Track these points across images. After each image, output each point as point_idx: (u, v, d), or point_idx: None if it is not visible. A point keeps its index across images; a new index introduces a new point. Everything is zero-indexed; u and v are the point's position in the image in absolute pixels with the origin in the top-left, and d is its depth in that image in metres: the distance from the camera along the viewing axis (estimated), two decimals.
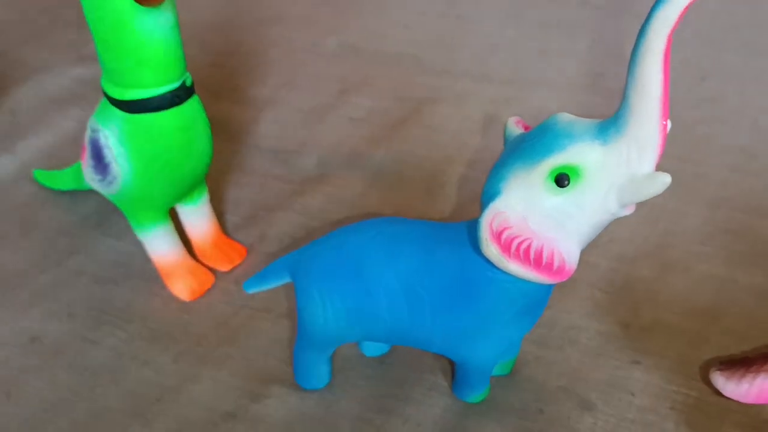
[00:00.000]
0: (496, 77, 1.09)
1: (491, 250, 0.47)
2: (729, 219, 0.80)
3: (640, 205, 0.81)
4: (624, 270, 0.75)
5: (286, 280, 0.61)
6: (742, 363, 0.51)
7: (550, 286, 0.53)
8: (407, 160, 0.93)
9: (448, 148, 0.95)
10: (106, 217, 0.87)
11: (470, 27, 1.24)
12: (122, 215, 0.86)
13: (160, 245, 0.74)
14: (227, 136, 1.01)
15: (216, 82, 1.13)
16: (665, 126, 0.44)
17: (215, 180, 0.92)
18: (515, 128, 0.53)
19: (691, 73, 1.05)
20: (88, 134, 0.69)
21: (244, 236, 0.83)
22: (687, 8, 0.40)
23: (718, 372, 0.52)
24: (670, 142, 0.90)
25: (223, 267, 0.79)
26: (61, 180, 0.87)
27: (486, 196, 0.50)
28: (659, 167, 0.45)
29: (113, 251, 0.82)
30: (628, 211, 0.47)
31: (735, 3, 1.21)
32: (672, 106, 0.97)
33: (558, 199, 0.46)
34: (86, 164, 0.72)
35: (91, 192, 0.90)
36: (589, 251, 0.76)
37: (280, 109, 1.06)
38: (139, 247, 0.81)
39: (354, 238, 0.57)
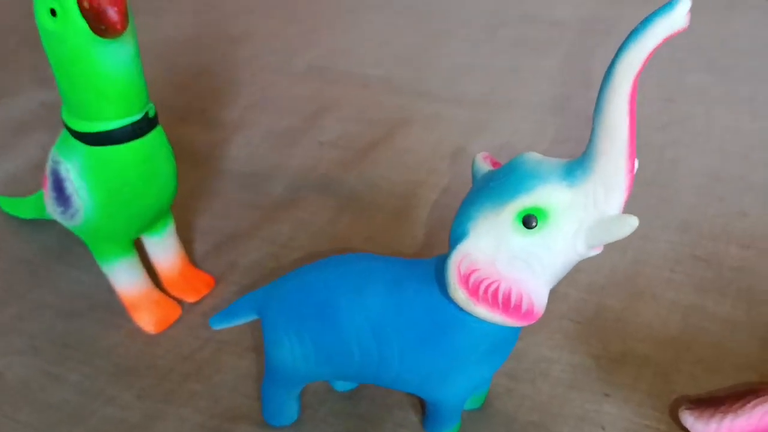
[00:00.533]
0: (468, 98, 1.09)
1: (459, 294, 0.46)
2: (696, 245, 0.81)
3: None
4: (593, 300, 0.75)
5: (253, 317, 0.60)
6: (710, 402, 0.51)
7: (517, 328, 0.53)
8: (378, 184, 0.93)
9: (420, 172, 0.94)
10: (69, 247, 0.85)
11: (442, 47, 1.24)
12: (84, 246, 0.84)
13: (124, 277, 0.73)
14: (195, 161, 0.99)
15: (183, 105, 1.11)
16: (633, 168, 0.43)
17: (183, 207, 0.90)
18: (483, 164, 0.52)
19: (658, 95, 1.06)
20: (49, 165, 0.68)
21: (213, 265, 0.82)
22: (652, 54, 0.40)
23: (687, 411, 0.52)
24: (638, 167, 0.91)
25: (191, 298, 0.77)
26: (24, 208, 0.85)
27: (454, 236, 0.49)
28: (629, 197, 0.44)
29: (77, 283, 0.80)
30: (596, 251, 0.47)
31: (700, 24, 1.23)
32: (640, 129, 0.99)
33: (526, 240, 0.46)
34: (48, 195, 0.70)
35: (54, 221, 0.88)
36: (558, 282, 0.76)
37: (249, 131, 1.05)
38: (104, 278, 0.80)
39: (322, 276, 0.56)
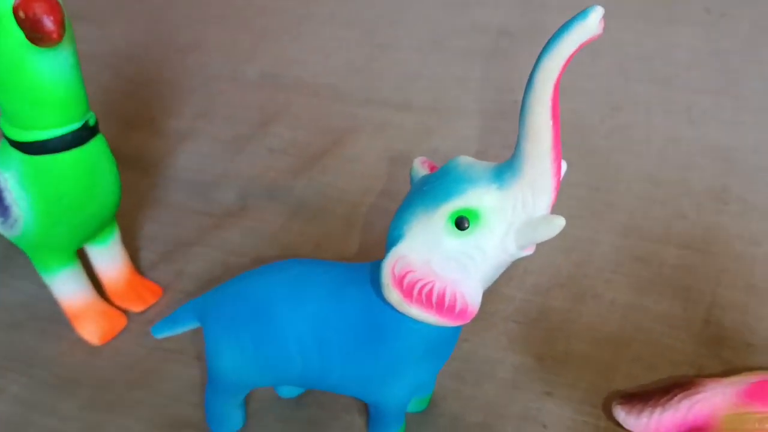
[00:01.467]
0: (416, 106, 1.10)
1: (393, 295, 0.47)
2: (637, 247, 0.83)
3: (555, 235, 0.83)
4: (538, 301, 0.76)
5: (195, 324, 0.59)
6: (641, 397, 0.52)
7: (457, 327, 0.54)
8: (327, 191, 0.93)
9: (368, 178, 0.95)
10: (9, 257, 0.83)
11: (390, 55, 1.25)
12: (26, 256, 0.83)
13: (67, 288, 0.72)
14: (143, 169, 0.98)
15: (131, 113, 1.10)
16: (559, 170, 0.45)
17: (130, 215, 0.89)
18: (421, 169, 0.54)
19: (605, 103, 1.08)
20: None
21: (160, 274, 0.81)
22: (570, 59, 0.41)
23: (619, 406, 0.53)
24: (583, 171, 0.93)
25: (137, 308, 0.77)
26: None
27: (390, 239, 0.50)
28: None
29: (18, 293, 0.79)
30: (528, 252, 0.48)
31: (643, 35, 1.27)
32: (585, 135, 1.01)
33: (459, 241, 0.47)
34: None
35: None
36: (505, 283, 0.78)
37: (198, 140, 1.04)
38: (47, 288, 0.78)
39: (261, 282, 0.56)
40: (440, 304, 0.47)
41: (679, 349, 0.70)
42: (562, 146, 0.45)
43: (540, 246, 0.79)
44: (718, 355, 0.69)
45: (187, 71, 1.22)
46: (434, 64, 1.21)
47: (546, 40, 0.42)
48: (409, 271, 0.47)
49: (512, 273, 0.79)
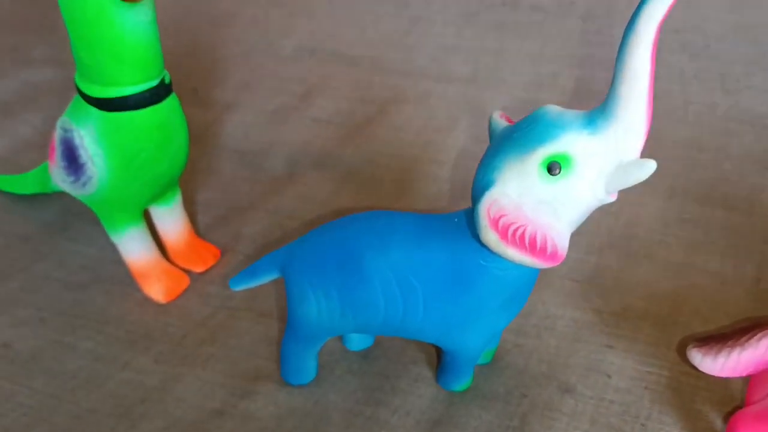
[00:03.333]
0: (455, 77, 1.12)
1: (490, 236, 0.48)
2: (683, 209, 0.85)
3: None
4: (592, 261, 0.78)
5: (275, 275, 0.61)
6: (717, 339, 0.54)
7: (534, 276, 0.56)
8: (375, 159, 0.95)
9: (414, 147, 0.96)
10: (69, 222, 0.84)
11: (425, 28, 1.26)
12: (86, 220, 0.84)
13: (134, 247, 0.73)
14: (191, 139, 0.99)
15: (174, 84, 1.11)
16: (650, 116, 0.46)
17: (183, 182, 0.90)
18: (500, 121, 0.55)
19: None
20: (58, 134, 0.68)
21: (217, 237, 0.83)
22: (674, 2, 0.43)
23: (695, 349, 0.55)
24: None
25: (198, 268, 0.78)
26: (24, 184, 0.84)
27: (478, 185, 0.51)
28: None
29: (80, 256, 0.80)
30: (613, 197, 0.50)
31: (675, 6, 1.29)
32: None
33: (550, 186, 0.48)
34: (56, 165, 0.70)
35: (51, 197, 0.87)
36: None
37: (241, 111, 1.06)
38: (107, 251, 0.80)
39: (344, 232, 0.57)
40: (533, 246, 0.49)
41: (734, 303, 0.72)
42: None
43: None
44: None
45: (223, 44, 1.23)
46: (469, 38, 1.23)
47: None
48: (503, 215, 0.49)
49: None
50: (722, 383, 0.64)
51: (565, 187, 0.48)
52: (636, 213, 0.84)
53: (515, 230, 0.49)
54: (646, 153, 0.96)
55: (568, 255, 0.79)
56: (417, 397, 0.64)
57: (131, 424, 0.62)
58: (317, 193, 0.89)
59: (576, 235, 0.81)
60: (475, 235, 0.51)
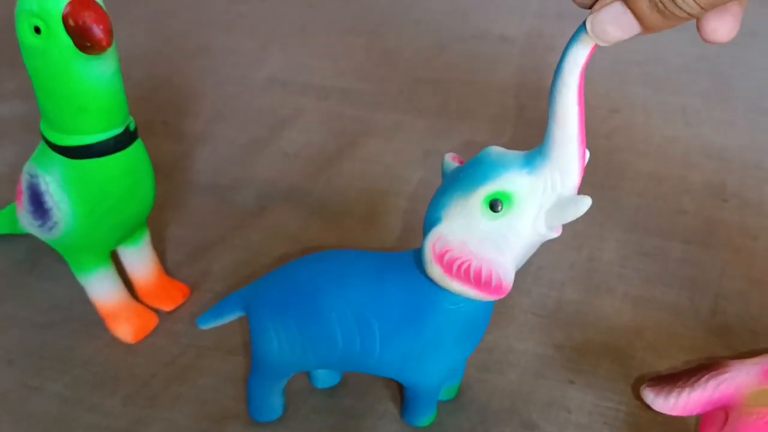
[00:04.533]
0: (425, 110, 1.14)
1: (435, 270, 0.51)
2: (643, 242, 0.87)
3: (565, 232, 0.87)
4: (554, 295, 0.80)
5: (240, 314, 0.62)
6: (669, 379, 0.56)
7: (489, 310, 0.58)
8: (345, 193, 0.96)
9: (384, 181, 0.98)
10: (37, 260, 0.85)
11: (396, 61, 1.29)
12: (55, 259, 0.84)
13: (102, 288, 0.74)
14: (161, 173, 0.99)
15: (144, 117, 1.12)
16: (584, 154, 0.49)
17: (152, 218, 0.91)
18: (451, 162, 0.57)
19: (603, 106, 1.13)
20: (25, 179, 0.68)
21: (187, 275, 0.83)
22: (594, 49, 0.45)
23: (648, 389, 0.57)
24: (588, 170, 0.97)
25: (167, 307, 0.79)
26: None
27: (428, 222, 0.53)
28: (582, 194, 0.49)
29: (48, 295, 0.81)
30: (556, 233, 0.52)
31: (636, 42, 1.32)
32: (588, 136, 1.05)
33: (493, 223, 0.51)
34: (23, 209, 0.70)
35: (18, 236, 0.87)
36: (521, 279, 0.81)
37: (213, 143, 1.07)
38: (76, 290, 0.80)
39: (305, 270, 0.59)
40: (477, 280, 0.51)
41: (689, 336, 0.74)
42: None
43: (552, 243, 0.83)
44: (726, 342, 0.74)
45: (195, 76, 1.24)
46: (439, 70, 1.25)
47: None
48: (448, 250, 0.51)
49: (528, 269, 0.83)
50: (678, 418, 0.66)
51: (507, 223, 0.50)
52: (597, 247, 0.86)
53: (460, 265, 0.51)
54: (608, 185, 0.98)
55: (531, 289, 0.81)
56: None
57: None
58: (287, 228, 0.90)
59: (538, 270, 0.83)
60: (424, 272, 0.53)
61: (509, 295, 0.79)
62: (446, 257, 0.51)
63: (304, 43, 1.35)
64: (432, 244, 0.51)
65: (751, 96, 1.17)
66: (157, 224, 0.91)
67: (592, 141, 1.05)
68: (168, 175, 1.00)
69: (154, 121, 1.12)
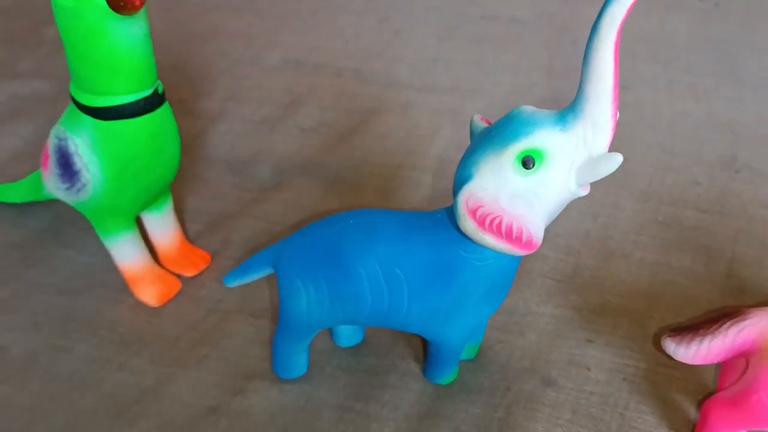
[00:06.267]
0: (437, 88, 1.15)
1: (468, 224, 0.51)
2: (657, 211, 0.88)
3: (581, 200, 0.88)
4: (571, 261, 0.81)
5: (268, 271, 0.63)
6: (689, 329, 0.57)
7: (515, 268, 0.59)
8: (360, 166, 0.97)
9: (397, 154, 0.99)
10: (61, 229, 0.86)
11: (407, 41, 1.30)
12: (78, 227, 0.86)
13: (127, 252, 0.75)
14: None
15: None
16: (617, 111, 0.50)
17: (172, 191, 0.92)
18: (480, 123, 0.58)
19: None
20: (52, 143, 0.69)
21: (207, 243, 0.85)
22: (633, 5, 0.46)
23: (669, 339, 0.58)
24: (618, 116, 0.98)
25: (189, 272, 0.80)
26: (16, 192, 0.86)
27: (459, 180, 0.54)
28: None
29: (72, 263, 0.82)
30: (585, 191, 0.53)
31: (647, 19, 1.33)
32: None
33: (525, 179, 0.51)
34: (50, 173, 0.71)
35: (43, 206, 0.89)
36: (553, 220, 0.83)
37: (228, 121, 1.08)
38: (99, 258, 0.82)
39: (333, 227, 0.60)
40: (509, 235, 0.52)
41: (706, 299, 0.76)
42: None
43: (568, 211, 0.84)
44: (742, 302, 0.75)
45: (209, 57, 1.26)
46: (450, 50, 1.26)
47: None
48: (480, 206, 0.52)
49: (544, 235, 0.84)
50: (696, 373, 0.67)
51: (539, 180, 0.51)
52: (613, 215, 0.88)
53: (492, 220, 0.52)
54: (622, 155, 0.99)
55: (548, 255, 0.82)
56: (406, 392, 0.66)
57: (127, 423, 0.63)
58: (304, 200, 0.92)
59: (555, 237, 0.84)
60: (456, 227, 0.54)
61: (527, 260, 0.81)
62: (478, 212, 0.52)
63: (315, 26, 1.36)
64: (465, 200, 0.52)
65: (761, 73, 1.18)
66: (177, 196, 0.92)
67: None
68: (186, 150, 1.01)
69: (170, 100, 1.13)
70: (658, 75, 1.17)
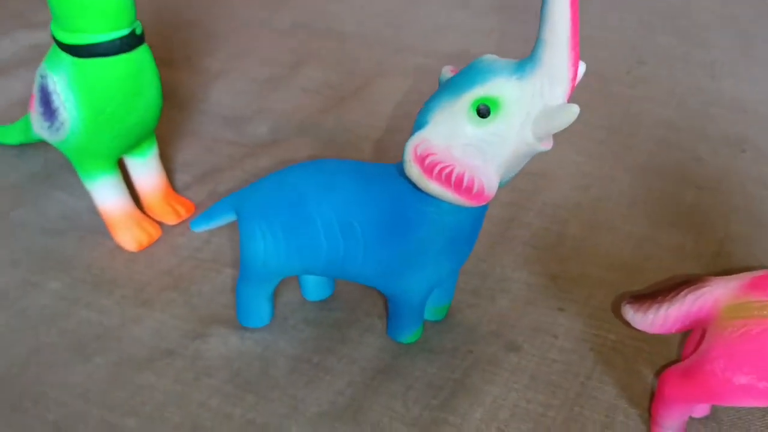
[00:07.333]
0: (445, 54, 1.13)
1: (413, 170, 0.50)
2: (654, 186, 0.85)
3: (574, 172, 0.85)
4: (555, 229, 0.79)
5: (231, 217, 0.63)
6: (649, 296, 0.55)
7: (477, 223, 0.57)
8: (355, 129, 0.96)
9: (394, 118, 0.98)
10: (53, 172, 0.87)
11: (418, 8, 1.28)
12: (71, 171, 0.87)
13: (107, 195, 0.75)
14: (178, 103, 1.02)
15: (167, 52, 1.14)
16: (576, 62, 0.47)
17: (166, 143, 0.93)
18: (449, 74, 0.57)
19: (630, 56, 1.10)
20: (36, 81, 0.70)
21: (194, 194, 0.85)
22: None
23: (628, 305, 0.56)
24: (602, 115, 0.95)
25: (171, 220, 0.80)
26: (9, 133, 0.88)
27: (415, 127, 0.53)
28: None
29: (61, 205, 0.83)
30: (545, 146, 0.51)
31: None
32: (610, 84, 1.03)
33: (479, 128, 0.50)
34: (35, 112, 0.72)
35: (38, 148, 0.90)
36: (524, 213, 0.80)
37: (232, 78, 1.08)
38: (88, 201, 0.82)
39: (293, 176, 0.60)
40: (458, 185, 0.50)
41: (687, 275, 0.73)
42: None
43: (560, 181, 0.82)
44: None
45: (218, 18, 1.26)
46: (461, 18, 1.24)
47: None
48: (431, 154, 0.50)
49: (531, 204, 0.82)
50: (665, 346, 0.65)
51: (493, 129, 0.50)
52: (607, 187, 0.85)
53: (442, 169, 0.50)
54: (625, 131, 0.96)
55: (533, 223, 0.80)
56: (365, 347, 0.66)
57: (84, 358, 0.64)
58: (296, 158, 0.91)
59: (543, 205, 0.82)
60: (407, 181, 0.52)
61: (510, 227, 0.79)
62: (428, 160, 0.50)
63: None
64: (414, 146, 0.50)
65: None
66: (169, 148, 0.92)
67: (612, 88, 1.04)
68: (185, 105, 1.01)
69: (177, 57, 1.14)
70: (675, 51, 1.13)
